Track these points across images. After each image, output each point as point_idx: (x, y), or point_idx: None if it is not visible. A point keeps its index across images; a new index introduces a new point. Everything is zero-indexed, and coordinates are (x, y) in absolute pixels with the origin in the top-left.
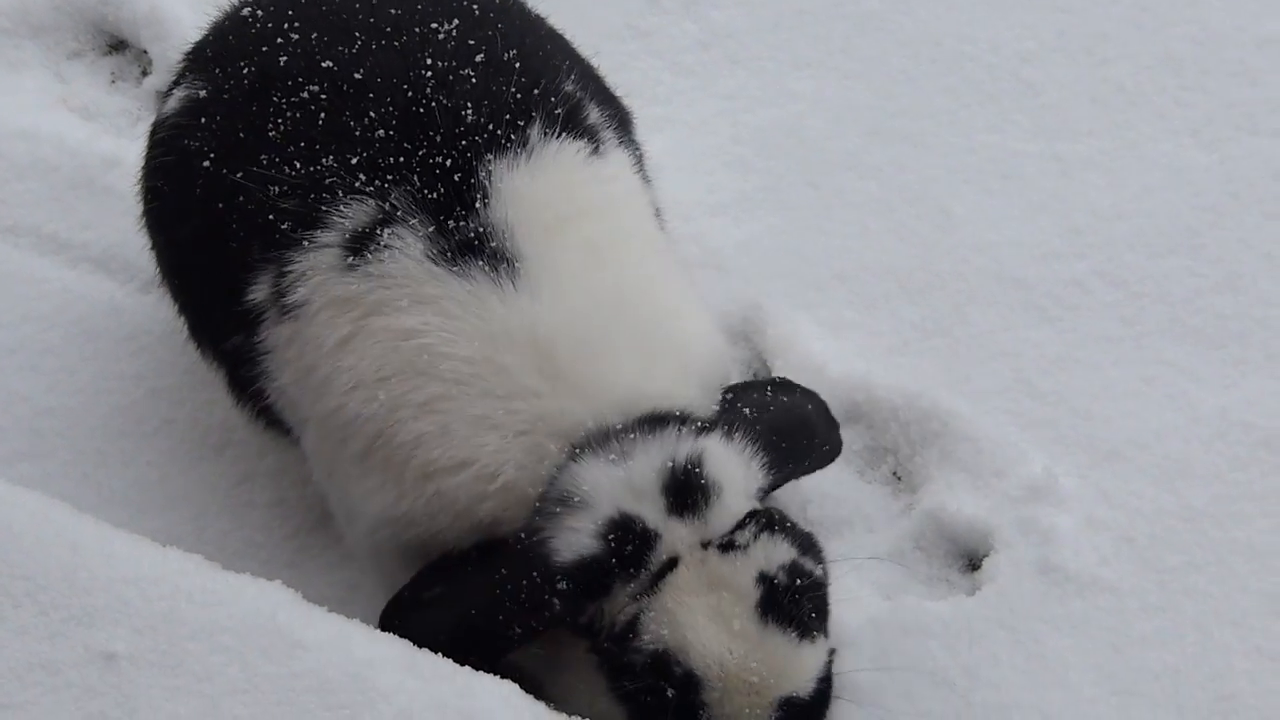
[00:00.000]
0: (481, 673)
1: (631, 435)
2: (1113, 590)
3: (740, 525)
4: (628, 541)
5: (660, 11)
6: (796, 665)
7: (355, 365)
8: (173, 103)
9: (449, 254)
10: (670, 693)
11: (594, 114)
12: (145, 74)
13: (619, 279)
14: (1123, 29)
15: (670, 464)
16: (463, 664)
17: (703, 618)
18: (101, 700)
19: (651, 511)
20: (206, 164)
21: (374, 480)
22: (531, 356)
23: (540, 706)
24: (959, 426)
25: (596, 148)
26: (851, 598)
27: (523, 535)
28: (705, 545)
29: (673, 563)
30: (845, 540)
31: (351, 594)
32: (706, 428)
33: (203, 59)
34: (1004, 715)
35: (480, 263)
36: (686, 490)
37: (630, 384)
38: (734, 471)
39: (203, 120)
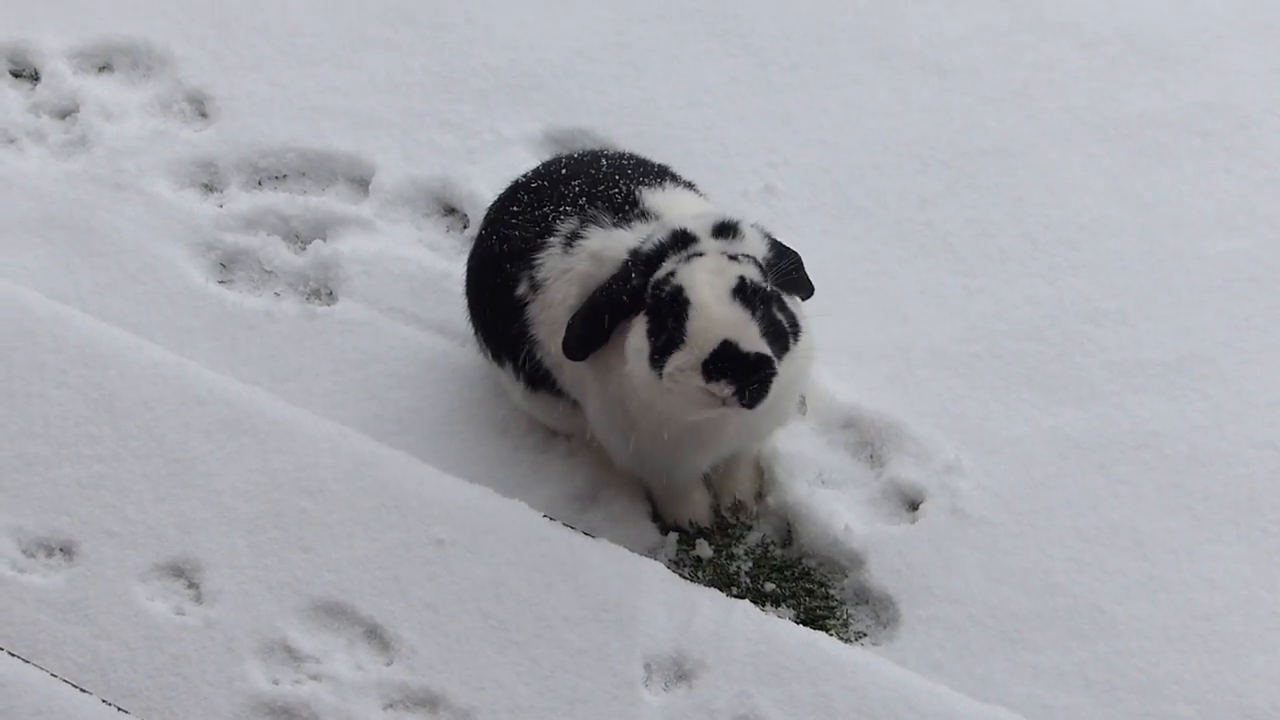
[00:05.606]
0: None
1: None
2: (990, 524)
3: (746, 257)
4: (681, 240)
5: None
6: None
7: (565, 299)
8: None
9: (620, 223)
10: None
11: (682, 181)
12: (465, 227)
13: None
14: (999, 216)
15: (723, 219)
16: (590, 335)
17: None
18: (434, 566)
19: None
20: (490, 240)
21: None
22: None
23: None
24: (908, 432)
25: (688, 188)
26: (848, 526)
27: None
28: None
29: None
30: (845, 492)
31: (571, 506)
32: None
33: (496, 208)
34: (928, 592)
35: (638, 219)
36: (726, 227)
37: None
38: (757, 239)
39: (490, 221)
